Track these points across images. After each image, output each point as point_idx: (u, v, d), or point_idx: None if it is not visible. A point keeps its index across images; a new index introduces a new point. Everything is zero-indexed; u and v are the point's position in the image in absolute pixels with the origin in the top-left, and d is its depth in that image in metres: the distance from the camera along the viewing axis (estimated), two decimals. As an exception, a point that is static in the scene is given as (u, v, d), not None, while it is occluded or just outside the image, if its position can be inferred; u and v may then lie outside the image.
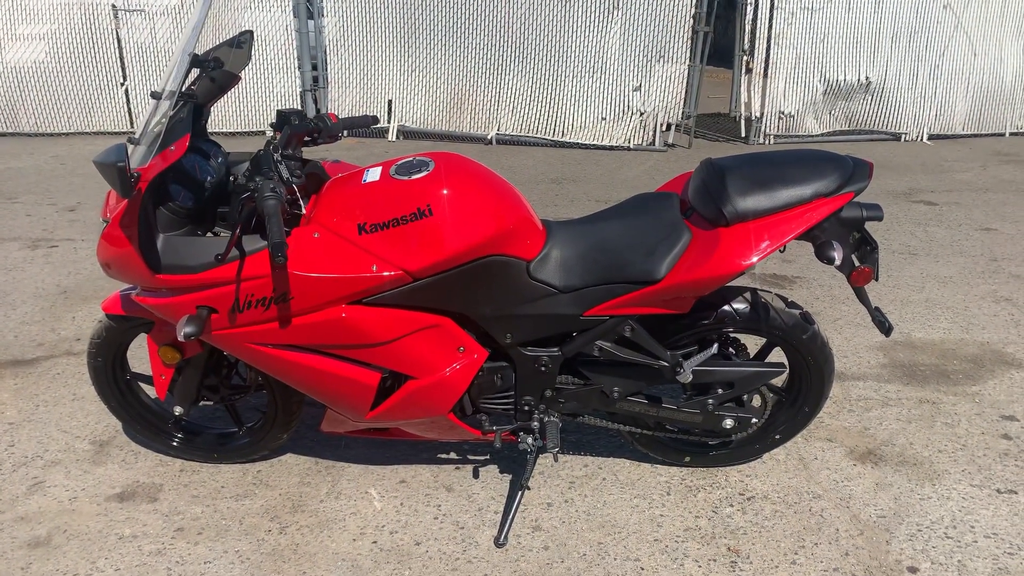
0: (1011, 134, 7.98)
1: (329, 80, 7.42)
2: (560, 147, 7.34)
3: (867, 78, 7.55)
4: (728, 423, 2.20)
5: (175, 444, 2.41)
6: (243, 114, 7.46)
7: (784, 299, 2.16)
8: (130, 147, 1.84)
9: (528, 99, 7.36)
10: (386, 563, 2.03)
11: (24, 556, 2.04)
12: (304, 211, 1.95)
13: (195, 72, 1.99)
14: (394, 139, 7.50)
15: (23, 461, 2.44)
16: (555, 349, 2.08)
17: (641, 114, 7.28)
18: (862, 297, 2.04)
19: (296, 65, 7.35)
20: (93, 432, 2.59)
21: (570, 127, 7.37)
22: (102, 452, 2.49)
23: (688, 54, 7.08)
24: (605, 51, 7.16)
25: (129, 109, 7.45)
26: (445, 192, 1.87)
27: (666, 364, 2.07)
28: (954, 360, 3.14)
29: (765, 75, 7.35)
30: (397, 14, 7.22)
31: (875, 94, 7.62)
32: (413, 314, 1.94)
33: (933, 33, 7.46)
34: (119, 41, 7.27)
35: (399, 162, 1.97)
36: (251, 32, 2.14)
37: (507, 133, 7.42)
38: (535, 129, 7.41)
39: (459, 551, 2.07)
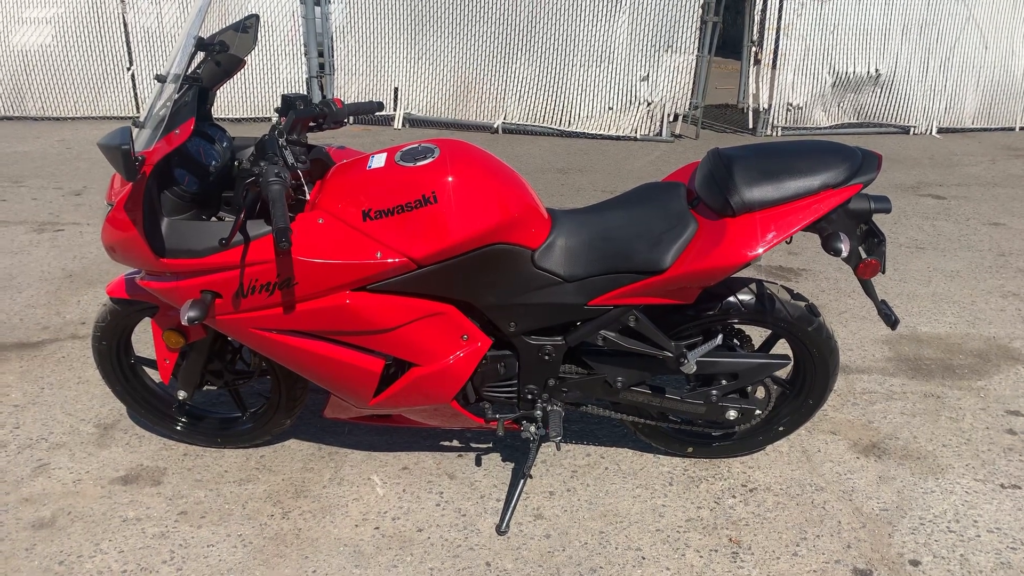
0: (1021, 128, 7.93)
1: (335, 67, 7.39)
2: (567, 136, 7.31)
3: (877, 70, 7.49)
4: (731, 414, 2.19)
5: (179, 428, 2.42)
6: (249, 100, 7.45)
7: (790, 291, 2.15)
8: (135, 130, 1.84)
9: (535, 88, 7.33)
10: (388, 549, 2.03)
11: (28, 537, 2.05)
12: (309, 197, 1.94)
13: (200, 56, 1.98)
14: (400, 127, 7.48)
15: (28, 443, 2.45)
16: (559, 338, 2.07)
17: (648, 104, 7.25)
18: (868, 290, 2.03)
19: (302, 52, 7.34)
20: (97, 415, 2.60)
21: (577, 116, 7.35)
22: (106, 435, 2.50)
23: (696, 44, 7.04)
24: (613, 40, 7.12)
25: (135, 93, 7.45)
26: (450, 179, 1.86)
27: (670, 354, 2.07)
28: (960, 354, 3.13)
29: (774, 66, 7.31)
30: (404, 2, 7.18)
31: (884, 87, 7.57)
32: (417, 301, 1.94)
33: (944, 25, 7.40)
34: (125, 25, 7.26)
35: (404, 149, 1.96)
36: (257, 16, 2.13)
37: (513, 122, 7.39)
38: (542, 118, 7.39)
39: (461, 538, 2.08)
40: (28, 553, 2.00)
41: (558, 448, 2.45)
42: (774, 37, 7.24)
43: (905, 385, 2.88)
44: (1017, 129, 7.91)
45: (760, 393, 2.25)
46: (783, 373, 2.38)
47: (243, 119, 7.44)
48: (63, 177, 5.53)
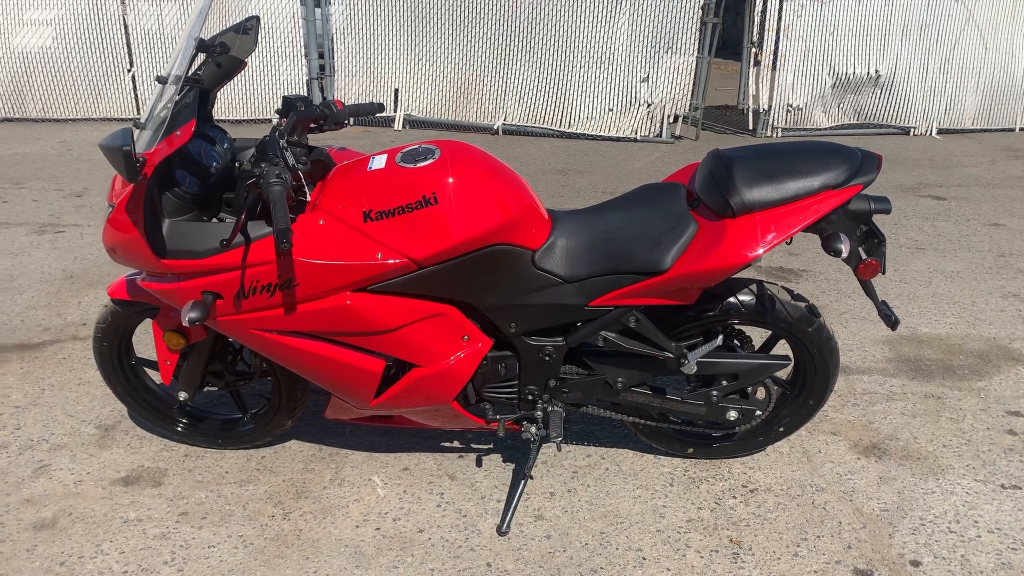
0: (1021, 129, 7.93)
1: (336, 68, 7.40)
2: (567, 138, 7.32)
3: (876, 71, 7.50)
4: (732, 415, 2.19)
5: (180, 429, 2.42)
6: (249, 102, 7.46)
7: (790, 291, 2.15)
8: (136, 132, 1.84)
9: (535, 89, 7.34)
10: (388, 550, 2.03)
11: (30, 538, 2.05)
12: (309, 198, 1.95)
13: (201, 57, 1.98)
14: (400, 128, 7.49)
15: (29, 444, 2.45)
16: (559, 339, 2.08)
17: (648, 105, 7.25)
18: (868, 290, 2.03)
19: (303, 53, 7.34)
20: (98, 416, 2.61)
21: (577, 118, 7.35)
22: (107, 436, 2.50)
23: (696, 45, 7.04)
24: (613, 41, 7.12)
25: (136, 95, 7.46)
26: (451, 180, 1.86)
27: (671, 355, 2.07)
28: (960, 355, 3.13)
29: (773, 67, 7.31)
30: (404, 3, 7.19)
31: (884, 88, 7.58)
32: (418, 302, 1.94)
33: (944, 26, 7.41)
34: (126, 27, 7.27)
35: (405, 150, 1.96)
36: (257, 18, 2.13)
37: (513, 123, 7.40)
38: (542, 119, 7.39)
39: (462, 539, 2.08)
40: (29, 554, 2.00)
41: (559, 449, 2.45)
42: (774, 38, 7.25)
43: (905, 386, 2.88)
44: (1017, 130, 7.91)
45: (760, 394, 2.25)
46: (783, 374, 2.38)
47: (244, 120, 7.44)
48: (64, 179, 5.53)
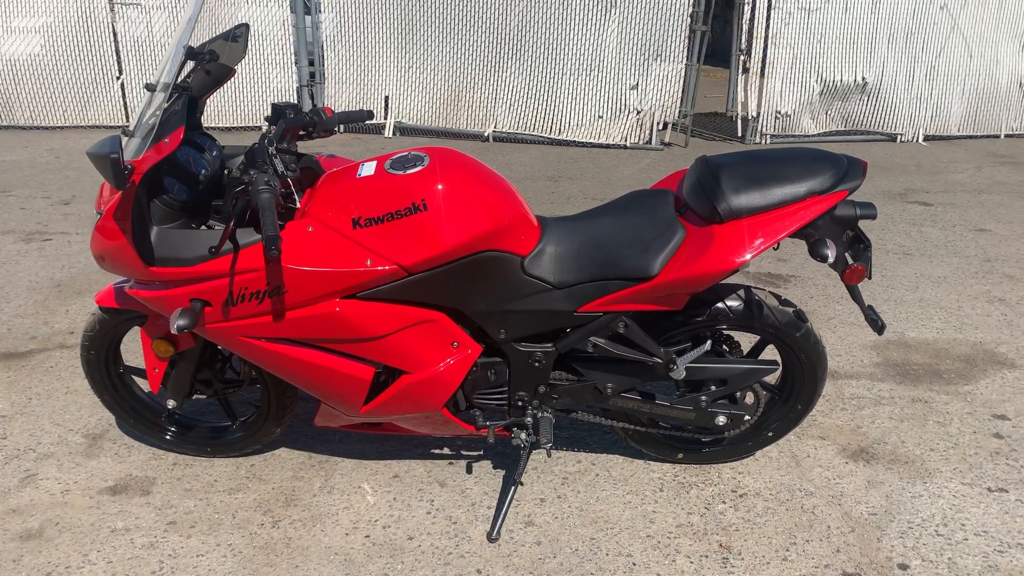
0: (1006, 136, 8.01)
1: (325, 76, 7.40)
2: (557, 145, 7.34)
3: (863, 79, 7.56)
4: (721, 420, 2.20)
5: (168, 438, 2.41)
6: (239, 109, 7.45)
7: (778, 297, 2.16)
8: (124, 139, 1.84)
9: (525, 97, 7.36)
10: (379, 557, 2.03)
11: (16, 548, 2.04)
12: (299, 205, 1.95)
13: (190, 65, 1.99)
14: (390, 135, 7.49)
15: (15, 454, 2.43)
16: (549, 345, 2.08)
17: (638, 113, 7.29)
18: (855, 295, 2.05)
19: (293, 60, 7.34)
20: (86, 425, 2.59)
21: (567, 125, 7.38)
22: (95, 445, 2.48)
23: (685, 53, 7.08)
24: (602, 49, 7.16)
25: (125, 103, 7.43)
26: (440, 187, 1.87)
27: (659, 361, 2.08)
28: (947, 359, 3.15)
29: (762, 75, 7.36)
30: (394, 10, 7.21)
31: (871, 95, 7.64)
32: (407, 309, 1.94)
33: (929, 34, 7.49)
34: (115, 35, 7.25)
35: (394, 157, 1.97)
36: (247, 25, 2.13)
37: (504, 130, 7.42)
38: (532, 127, 7.41)
39: (452, 546, 2.08)
40: (16, 565, 1.98)
41: (549, 455, 2.45)
42: (762, 46, 7.30)
43: (893, 390, 2.90)
44: (1002, 136, 7.99)
45: (749, 399, 2.26)
46: (772, 379, 2.39)
47: (233, 128, 7.43)
48: (52, 186, 5.50)
